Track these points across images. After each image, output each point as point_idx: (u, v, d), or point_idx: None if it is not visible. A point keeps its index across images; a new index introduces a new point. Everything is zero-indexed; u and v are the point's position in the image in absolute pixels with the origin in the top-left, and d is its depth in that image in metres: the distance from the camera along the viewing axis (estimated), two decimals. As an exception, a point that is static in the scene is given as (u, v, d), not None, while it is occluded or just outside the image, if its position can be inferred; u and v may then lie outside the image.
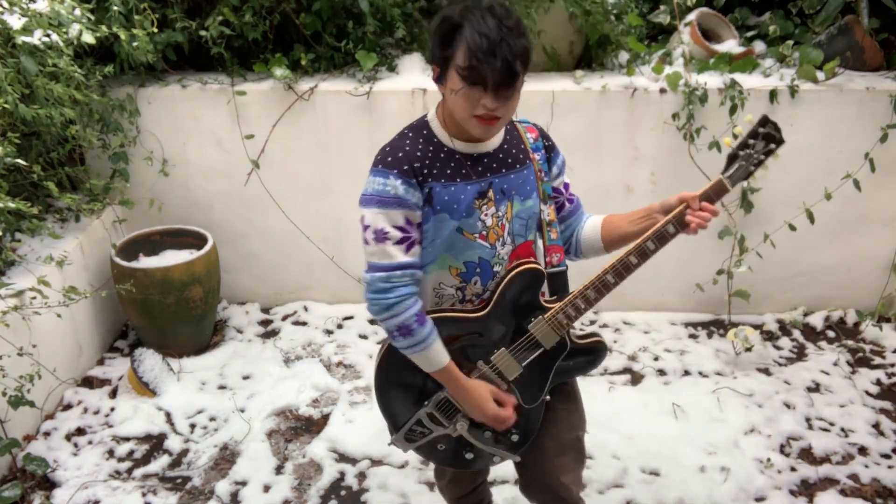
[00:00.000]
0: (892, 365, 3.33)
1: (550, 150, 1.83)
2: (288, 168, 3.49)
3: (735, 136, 1.66)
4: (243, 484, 2.72)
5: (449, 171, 1.66)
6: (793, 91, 3.24)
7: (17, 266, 2.91)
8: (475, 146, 1.69)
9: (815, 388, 3.18)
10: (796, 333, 3.55)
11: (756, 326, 3.53)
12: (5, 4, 2.74)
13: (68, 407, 3.07)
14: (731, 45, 3.53)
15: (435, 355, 1.70)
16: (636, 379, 3.25)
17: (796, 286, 3.60)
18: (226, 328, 3.63)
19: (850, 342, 3.46)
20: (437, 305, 1.77)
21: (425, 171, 1.64)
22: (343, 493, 2.68)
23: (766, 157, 1.79)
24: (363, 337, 3.57)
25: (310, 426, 3.01)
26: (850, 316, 3.63)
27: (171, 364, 3.28)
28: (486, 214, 1.69)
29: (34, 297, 2.76)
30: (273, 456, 2.85)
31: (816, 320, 3.61)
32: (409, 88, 3.32)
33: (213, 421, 3.04)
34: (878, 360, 3.35)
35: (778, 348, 3.45)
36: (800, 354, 3.41)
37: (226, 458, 2.85)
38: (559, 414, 1.90)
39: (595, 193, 3.43)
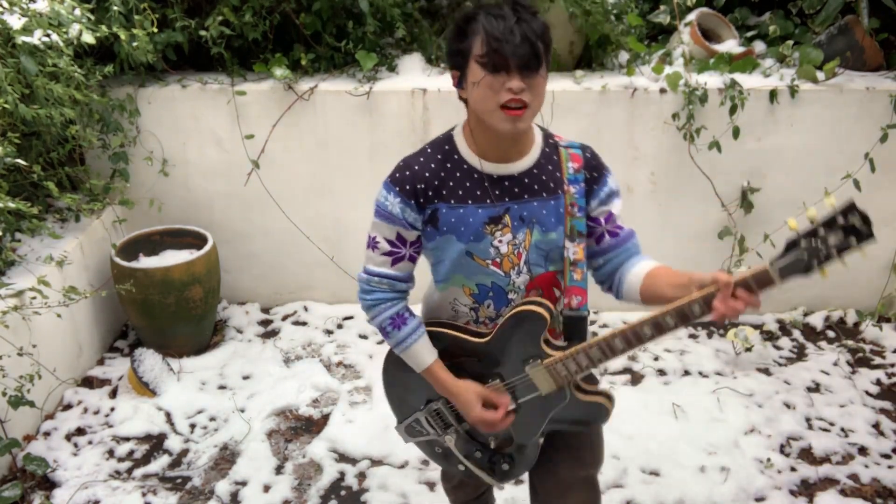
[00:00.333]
0: (892, 365, 3.33)
1: (594, 183, 1.69)
2: (288, 168, 3.49)
3: (810, 220, 1.38)
4: (243, 484, 2.72)
5: (462, 192, 1.60)
6: (793, 91, 3.24)
7: (17, 266, 2.91)
8: (501, 167, 1.61)
9: (815, 388, 3.18)
10: (796, 333, 3.55)
11: (756, 326, 3.53)
12: (5, 4, 2.74)
13: (68, 407, 3.07)
14: (731, 45, 3.53)
15: (416, 356, 1.71)
16: (636, 379, 3.25)
17: (796, 286, 3.56)
18: (226, 328, 3.63)
19: (850, 342, 3.46)
20: (452, 319, 1.75)
21: (431, 192, 1.60)
22: (343, 493, 2.68)
23: (840, 254, 1.37)
24: (363, 337, 3.57)
25: (310, 426, 3.01)
26: (850, 316, 3.63)
27: (171, 364, 3.28)
28: (499, 241, 1.62)
29: (34, 297, 2.76)
30: (273, 456, 2.85)
31: (816, 320, 3.61)
32: (410, 88, 3.32)
33: (213, 421, 3.04)
34: (878, 360, 3.35)
35: (778, 348, 3.45)
36: (800, 354, 3.41)
37: (226, 458, 2.85)
38: (569, 450, 1.80)
39: (595, 193, 3.43)
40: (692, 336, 3.53)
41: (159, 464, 2.82)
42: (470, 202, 1.60)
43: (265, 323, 3.69)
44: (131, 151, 3.43)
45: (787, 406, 3.07)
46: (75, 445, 2.89)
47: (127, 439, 2.93)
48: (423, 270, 1.74)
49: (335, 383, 3.21)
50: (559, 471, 1.80)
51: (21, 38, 2.69)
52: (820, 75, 3.31)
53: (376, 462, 2.80)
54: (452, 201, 1.60)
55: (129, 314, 3.39)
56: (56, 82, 2.88)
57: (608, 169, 1.74)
